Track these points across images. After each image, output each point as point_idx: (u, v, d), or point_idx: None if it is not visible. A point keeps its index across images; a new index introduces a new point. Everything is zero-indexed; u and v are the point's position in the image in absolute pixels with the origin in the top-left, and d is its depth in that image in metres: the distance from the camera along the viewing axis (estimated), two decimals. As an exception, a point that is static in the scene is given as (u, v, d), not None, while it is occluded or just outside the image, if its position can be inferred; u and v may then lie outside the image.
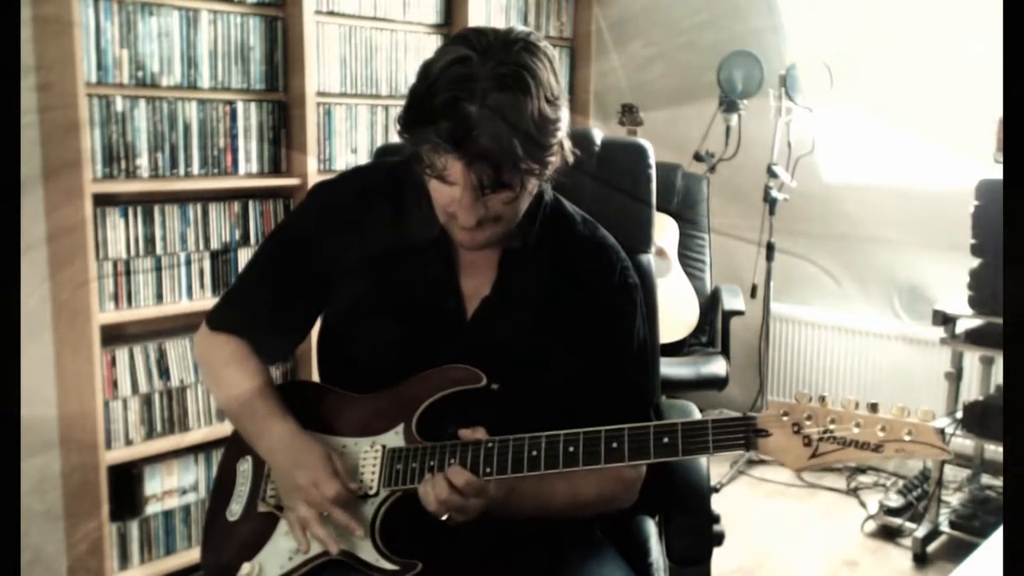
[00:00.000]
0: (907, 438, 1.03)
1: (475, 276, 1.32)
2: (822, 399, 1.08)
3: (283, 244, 1.42)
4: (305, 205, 1.42)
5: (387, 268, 1.32)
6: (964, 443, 2.94)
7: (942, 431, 1.05)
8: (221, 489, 1.37)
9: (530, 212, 1.31)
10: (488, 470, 1.17)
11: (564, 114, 1.19)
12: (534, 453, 1.16)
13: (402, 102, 1.20)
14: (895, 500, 2.94)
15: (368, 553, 1.21)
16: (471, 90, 1.11)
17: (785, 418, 1.08)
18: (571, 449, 1.16)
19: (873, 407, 1.06)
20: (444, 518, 1.17)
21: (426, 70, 1.16)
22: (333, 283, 1.35)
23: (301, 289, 1.37)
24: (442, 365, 1.28)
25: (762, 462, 3.48)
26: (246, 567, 1.25)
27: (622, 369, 1.34)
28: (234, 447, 1.39)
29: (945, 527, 2.82)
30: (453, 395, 1.26)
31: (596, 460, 1.15)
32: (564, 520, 1.31)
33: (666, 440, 1.13)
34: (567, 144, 1.24)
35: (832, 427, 1.06)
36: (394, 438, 1.27)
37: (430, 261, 1.31)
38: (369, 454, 1.27)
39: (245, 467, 1.36)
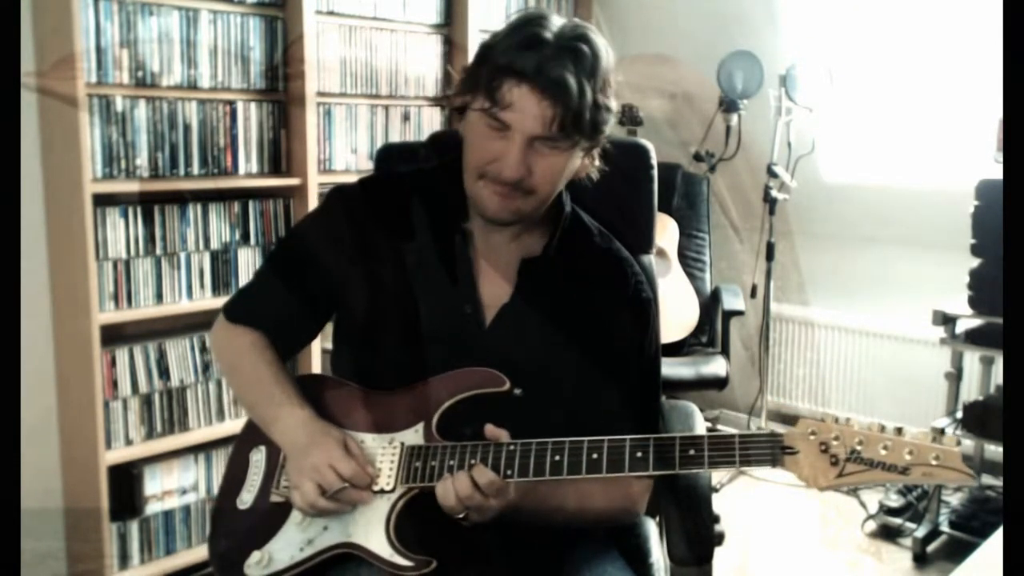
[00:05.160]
0: (934, 462, 1.03)
1: (494, 283, 1.33)
2: (848, 420, 1.08)
3: (300, 244, 1.44)
4: (324, 207, 1.43)
5: (405, 273, 1.34)
6: (964, 443, 2.94)
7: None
8: (232, 478, 1.37)
9: (551, 221, 1.35)
10: (509, 472, 1.17)
11: (611, 119, 1.26)
12: (557, 458, 1.16)
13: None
14: (895, 500, 2.94)
15: (382, 547, 1.21)
16: (553, 35, 1.20)
17: (812, 437, 1.08)
18: (595, 456, 1.15)
19: (899, 431, 1.06)
20: (461, 516, 1.18)
21: (505, 27, 1.24)
22: (349, 284, 1.36)
23: (317, 289, 1.38)
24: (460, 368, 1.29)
25: (762, 462, 3.48)
26: (256, 555, 1.26)
27: (633, 383, 1.35)
28: (247, 437, 1.39)
29: (945, 527, 2.82)
30: (473, 398, 1.27)
31: (620, 468, 1.14)
32: (568, 527, 1.31)
33: (692, 452, 1.13)
34: (598, 158, 1.32)
35: (859, 448, 1.06)
36: (413, 436, 1.27)
37: (449, 267, 1.33)
38: (387, 450, 1.27)
39: (258, 457, 1.36)
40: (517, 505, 1.20)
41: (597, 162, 1.33)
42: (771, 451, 1.09)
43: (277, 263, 1.47)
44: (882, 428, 1.07)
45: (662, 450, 1.14)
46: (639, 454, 1.14)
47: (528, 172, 1.22)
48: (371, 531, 1.22)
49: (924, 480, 1.05)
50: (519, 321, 1.32)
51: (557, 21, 1.22)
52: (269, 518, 1.29)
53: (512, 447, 1.18)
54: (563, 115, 1.18)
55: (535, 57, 1.17)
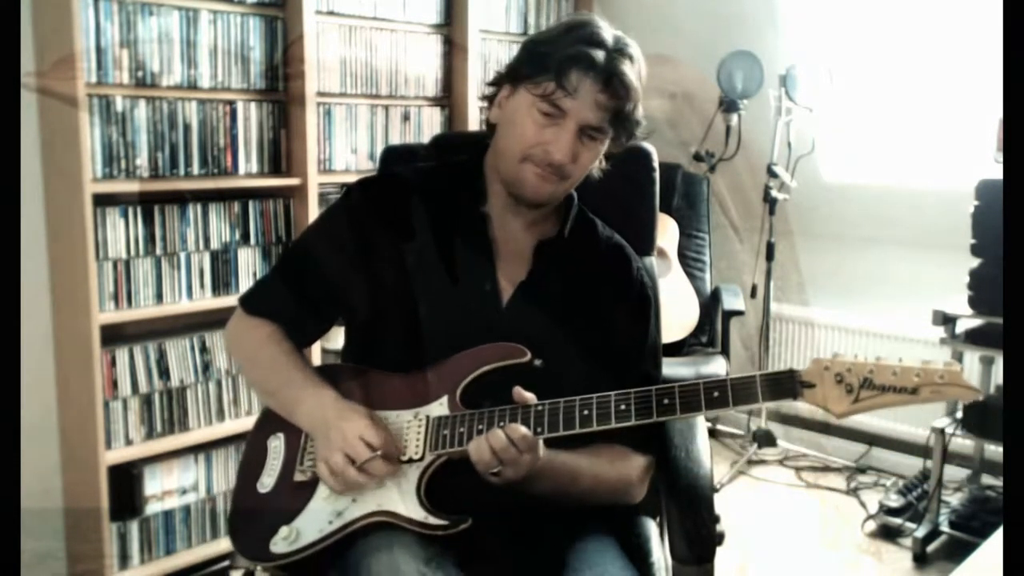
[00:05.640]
0: (940, 381, 1.11)
1: (511, 264, 1.40)
2: (856, 356, 1.16)
3: (321, 237, 1.47)
4: (345, 199, 1.47)
5: (425, 257, 1.38)
6: (964, 443, 2.94)
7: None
8: (250, 467, 1.39)
9: (565, 208, 1.44)
10: (539, 429, 1.21)
11: (642, 124, 1.38)
12: (585, 412, 1.21)
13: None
14: (895, 500, 2.94)
15: (416, 511, 1.23)
16: (611, 39, 1.32)
17: (827, 371, 1.16)
18: (623, 407, 1.20)
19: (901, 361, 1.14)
20: (495, 471, 1.20)
21: (554, 29, 1.36)
22: (370, 274, 1.39)
23: (336, 281, 1.42)
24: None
25: (762, 462, 3.49)
26: (284, 530, 1.27)
27: (639, 359, 1.42)
28: (263, 426, 1.42)
29: (945, 527, 2.82)
30: (493, 372, 1.30)
31: (648, 415, 1.20)
32: (584, 503, 1.34)
33: (716, 394, 1.18)
34: (603, 161, 1.40)
35: (870, 376, 1.14)
36: (438, 408, 1.30)
37: (469, 249, 1.38)
38: (413, 424, 1.29)
39: (276, 443, 1.38)
40: (540, 471, 1.23)
41: (603, 164, 1.41)
42: (791, 386, 1.16)
43: (297, 257, 1.50)
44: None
45: (688, 395, 1.19)
46: (666, 401, 1.19)
47: (573, 157, 1.31)
48: (403, 498, 1.24)
49: (933, 398, 1.12)
50: (535, 298, 1.38)
51: (606, 27, 1.33)
52: (294, 497, 1.30)
53: (540, 407, 1.23)
54: (617, 108, 1.30)
55: (603, 53, 1.28)
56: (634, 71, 1.31)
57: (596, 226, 1.48)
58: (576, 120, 1.29)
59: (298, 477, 1.32)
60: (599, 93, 1.28)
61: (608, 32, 1.32)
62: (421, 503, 1.24)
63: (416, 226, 1.40)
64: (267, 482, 1.35)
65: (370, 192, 1.45)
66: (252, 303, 1.47)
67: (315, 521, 1.27)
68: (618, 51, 1.30)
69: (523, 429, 1.20)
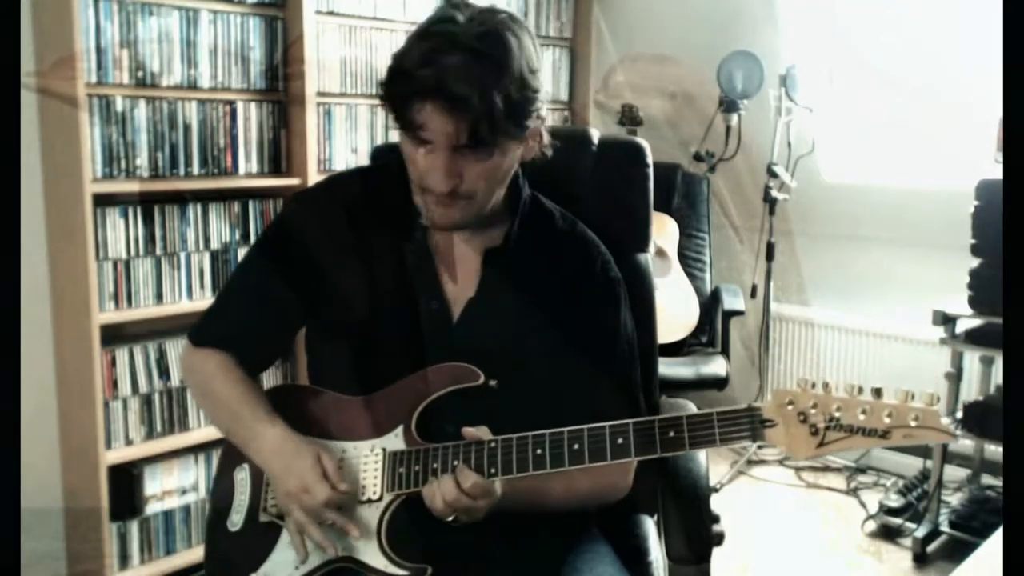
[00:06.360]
0: (913, 423, 1.02)
1: (458, 277, 1.32)
2: (826, 386, 1.06)
3: (264, 257, 1.41)
4: (283, 216, 1.43)
5: (369, 274, 1.32)
6: (964, 443, 2.94)
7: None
8: (220, 499, 1.36)
9: (510, 208, 1.33)
10: (493, 470, 1.16)
11: (543, 93, 1.22)
12: (539, 451, 1.15)
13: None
14: (895, 500, 2.94)
15: (376, 559, 1.20)
16: (453, 43, 1.14)
17: (790, 407, 1.06)
18: (576, 447, 1.14)
19: (877, 392, 1.04)
20: (450, 519, 1.17)
21: (413, 34, 1.20)
22: (316, 292, 1.34)
23: (283, 301, 1.36)
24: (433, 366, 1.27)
25: (762, 462, 3.48)
26: None
27: (610, 361, 1.34)
28: (230, 456, 1.38)
29: (945, 527, 2.82)
30: (450, 394, 1.25)
31: (602, 456, 1.13)
32: (560, 512, 1.30)
33: (672, 434, 1.11)
34: (546, 136, 1.28)
35: (838, 415, 1.04)
36: (394, 440, 1.25)
37: (411, 265, 1.31)
38: (370, 458, 1.25)
39: (242, 476, 1.34)
40: (503, 498, 1.19)
41: (546, 139, 1.28)
42: (750, 426, 1.08)
43: (242, 278, 1.44)
44: (859, 391, 1.05)
45: (642, 434, 1.13)
46: (620, 440, 1.13)
47: (460, 180, 1.19)
48: (364, 542, 1.22)
49: (905, 442, 1.02)
50: (488, 312, 1.30)
51: (464, 17, 1.17)
52: (261, 539, 1.28)
53: (493, 444, 1.17)
54: (474, 126, 1.14)
55: (434, 74, 1.13)
56: (486, 71, 1.14)
57: (553, 218, 1.37)
58: (443, 145, 1.16)
59: (263, 518, 1.29)
60: (446, 120, 1.14)
61: (455, 31, 1.15)
62: (382, 549, 1.20)
63: (354, 244, 1.33)
64: (236, 520, 1.32)
65: (312, 205, 1.39)
66: (198, 334, 1.41)
67: (283, 567, 1.25)
68: (463, 55, 1.13)
69: (473, 476, 1.14)
